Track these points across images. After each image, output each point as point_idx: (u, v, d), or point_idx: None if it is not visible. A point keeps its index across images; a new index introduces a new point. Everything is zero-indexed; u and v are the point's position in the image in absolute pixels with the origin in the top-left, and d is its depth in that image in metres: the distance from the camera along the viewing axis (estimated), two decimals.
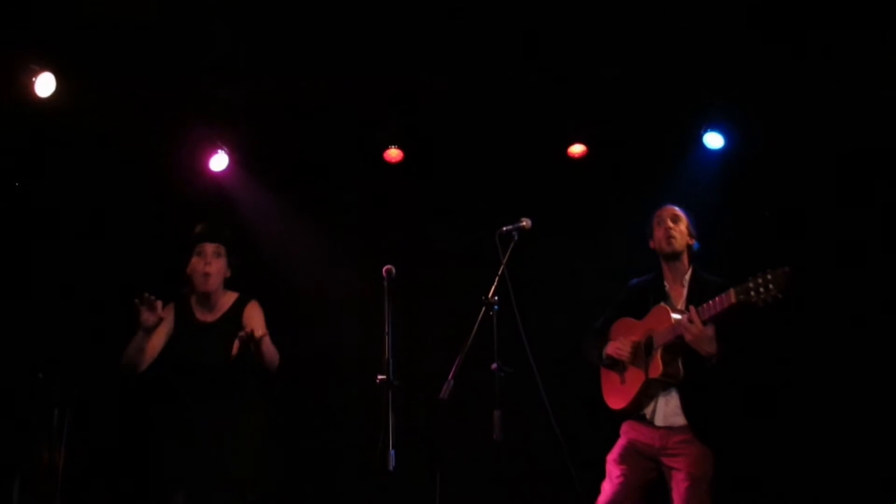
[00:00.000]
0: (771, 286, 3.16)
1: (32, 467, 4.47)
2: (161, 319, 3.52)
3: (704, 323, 3.40)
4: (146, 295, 3.42)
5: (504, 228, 3.63)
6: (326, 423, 5.03)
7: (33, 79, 4.44)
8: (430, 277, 5.05)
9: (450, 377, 3.39)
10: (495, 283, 3.51)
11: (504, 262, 3.55)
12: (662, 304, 3.67)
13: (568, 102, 5.08)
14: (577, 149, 5.12)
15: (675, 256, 3.77)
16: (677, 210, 3.86)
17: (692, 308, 3.45)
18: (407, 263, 3.88)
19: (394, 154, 5.17)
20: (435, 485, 4.37)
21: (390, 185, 5.27)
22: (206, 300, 3.74)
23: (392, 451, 3.39)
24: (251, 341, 3.45)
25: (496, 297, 3.47)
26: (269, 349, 3.62)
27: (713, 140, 5.05)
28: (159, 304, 3.47)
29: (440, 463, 4.54)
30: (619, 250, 4.75)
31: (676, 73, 4.91)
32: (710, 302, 3.40)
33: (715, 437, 3.56)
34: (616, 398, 3.74)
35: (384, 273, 3.63)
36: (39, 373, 4.48)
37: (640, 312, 3.76)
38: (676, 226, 3.79)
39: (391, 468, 3.37)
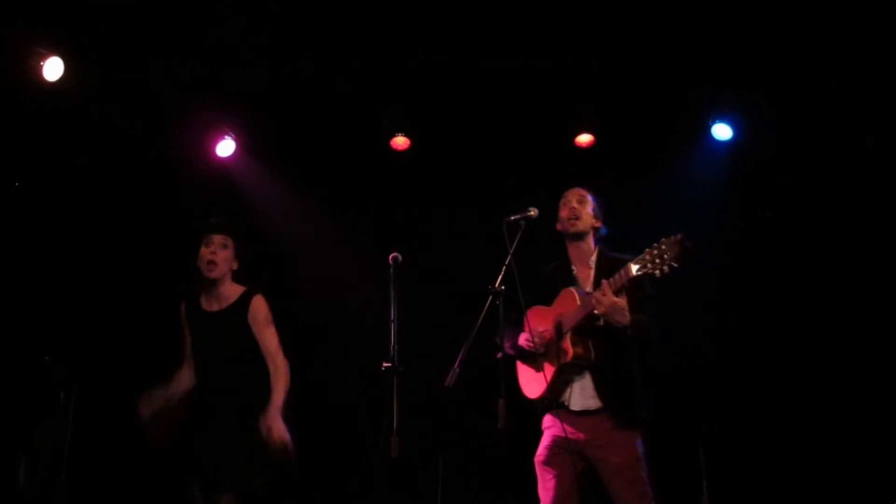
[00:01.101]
0: (666, 255, 3.17)
1: (38, 449, 4.49)
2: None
3: (616, 294, 3.38)
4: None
5: (511, 217, 3.60)
6: (331, 410, 5.03)
7: (41, 63, 4.42)
8: (436, 265, 5.04)
9: (455, 365, 3.36)
10: (502, 272, 3.49)
11: (511, 250, 3.53)
12: (569, 288, 3.64)
13: (576, 91, 5.06)
14: (584, 138, 5.10)
15: (578, 237, 3.76)
16: (584, 192, 3.83)
17: (604, 280, 3.44)
18: (413, 251, 3.86)
19: (400, 142, 5.15)
20: (438, 472, 4.39)
21: (397, 172, 5.26)
22: (213, 290, 3.77)
23: (396, 438, 3.38)
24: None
25: (502, 286, 3.44)
26: (282, 394, 3.65)
27: (721, 131, 5.03)
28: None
29: (444, 451, 4.55)
30: (625, 240, 4.73)
31: (685, 62, 4.88)
32: (615, 276, 3.41)
33: (630, 416, 3.50)
34: (532, 387, 3.68)
35: (390, 260, 3.63)
36: (46, 356, 4.48)
37: (550, 298, 3.72)
38: (581, 207, 3.77)
39: (395, 455, 3.37)
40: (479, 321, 3.44)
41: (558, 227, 3.81)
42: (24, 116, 4.69)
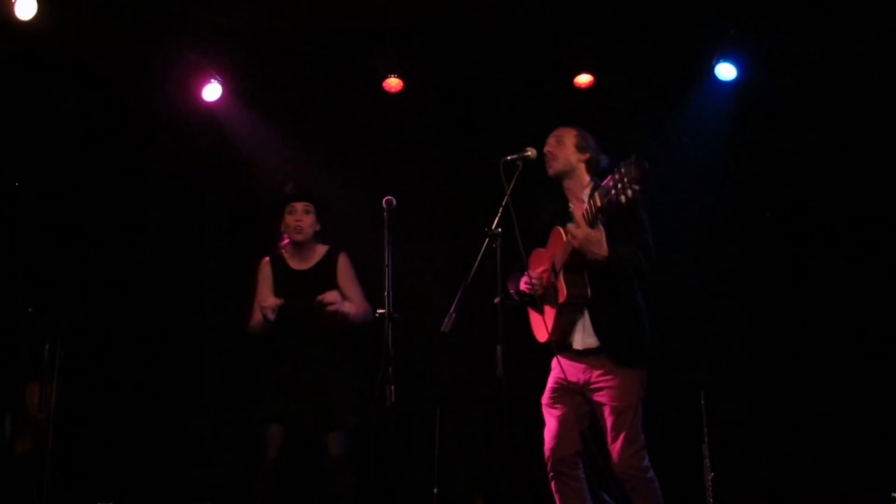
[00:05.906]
0: (626, 179, 3.05)
1: (23, 403, 4.43)
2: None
3: (591, 226, 3.28)
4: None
5: (508, 157, 3.51)
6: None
7: (13, 0, 4.24)
8: (431, 208, 4.93)
9: (451, 310, 3.31)
10: (499, 214, 3.40)
11: (508, 192, 3.43)
12: (557, 227, 3.56)
13: (575, 30, 4.89)
14: (584, 78, 4.95)
15: (563, 176, 3.68)
16: (562, 131, 3.72)
17: (578, 214, 3.35)
18: (408, 194, 3.80)
19: (393, 83, 5.00)
20: (435, 419, 4.34)
21: (390, 114, 5.11)
22: (300, 250, 4.13)
23: (391, 386, 3.35)
24: (321, 308, 3.80)
25: (500, 228, 3.36)
26: (353, 312, 3.95)
27: (725, 71, 4.88)
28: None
29: (441, 398, 4.49)
30: None
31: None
32: (586, 208, 3.31)
33: (631, 354, 3.45)
34: (540, 331, 3.64)
35: (384, 204, 3.57)
36: (29, 307, 4.38)
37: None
38: (557, 147, 3.67)
39: (390, 403, 3.33)
40: (476, 264, 3.35)
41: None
42: None
